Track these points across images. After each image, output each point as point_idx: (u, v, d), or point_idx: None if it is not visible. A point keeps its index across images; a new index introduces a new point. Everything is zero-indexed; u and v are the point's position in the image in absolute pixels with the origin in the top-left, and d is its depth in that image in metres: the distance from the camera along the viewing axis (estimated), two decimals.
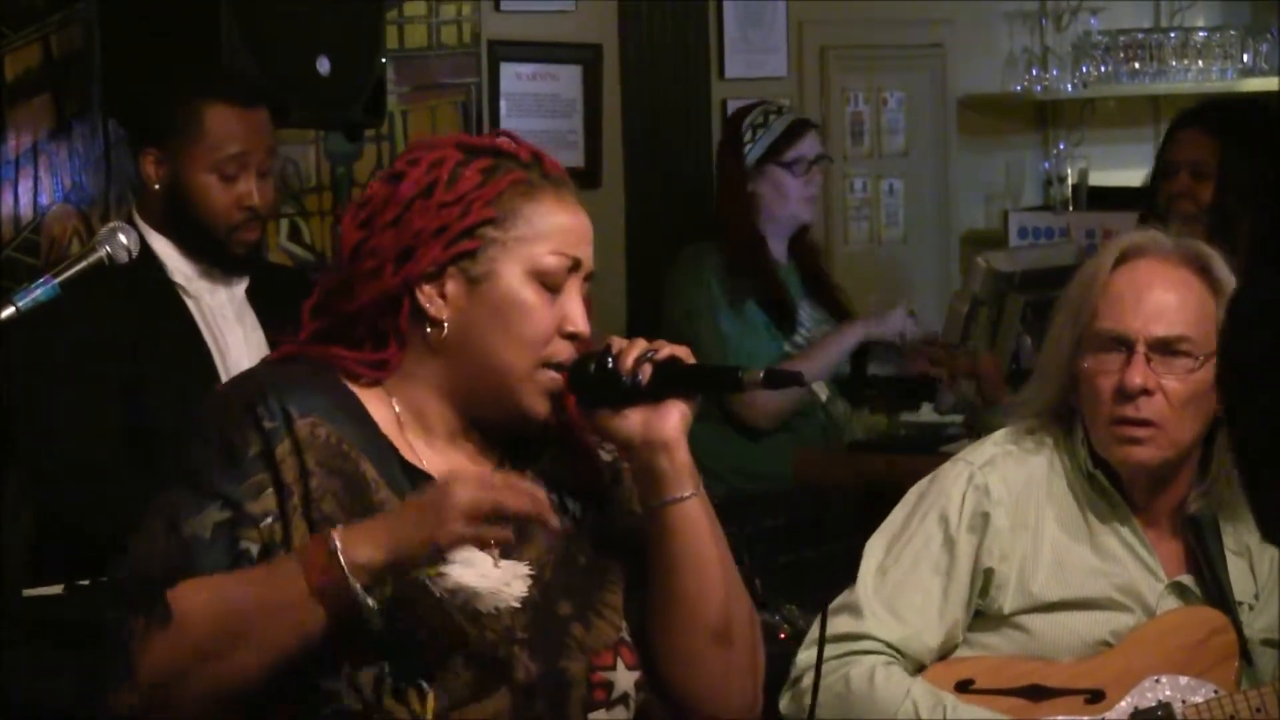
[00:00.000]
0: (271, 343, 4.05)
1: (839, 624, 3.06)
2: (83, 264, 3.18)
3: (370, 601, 2.32)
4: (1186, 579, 3.12)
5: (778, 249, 5.60)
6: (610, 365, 2.44)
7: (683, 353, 2.47)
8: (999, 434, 3.20)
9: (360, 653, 2.36)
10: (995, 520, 3.08)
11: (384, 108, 4.86)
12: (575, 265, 2.47)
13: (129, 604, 2.37)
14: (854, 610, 3.06)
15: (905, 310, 5.50)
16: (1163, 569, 3.11)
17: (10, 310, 3.03)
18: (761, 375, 2.44)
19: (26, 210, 4.57)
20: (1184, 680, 3.04)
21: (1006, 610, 3.09)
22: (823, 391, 5.56)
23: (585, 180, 5.84)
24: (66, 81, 4.63)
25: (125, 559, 2.44)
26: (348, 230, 2.49)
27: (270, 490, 2.39)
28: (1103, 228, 6.63)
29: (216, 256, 4.03)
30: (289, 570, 2.33)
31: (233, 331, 4.05)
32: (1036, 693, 3.04)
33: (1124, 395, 3.02)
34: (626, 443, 2.48)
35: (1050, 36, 7.29)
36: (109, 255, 3.23)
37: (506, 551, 2.42)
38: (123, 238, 3.26)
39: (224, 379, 3.97)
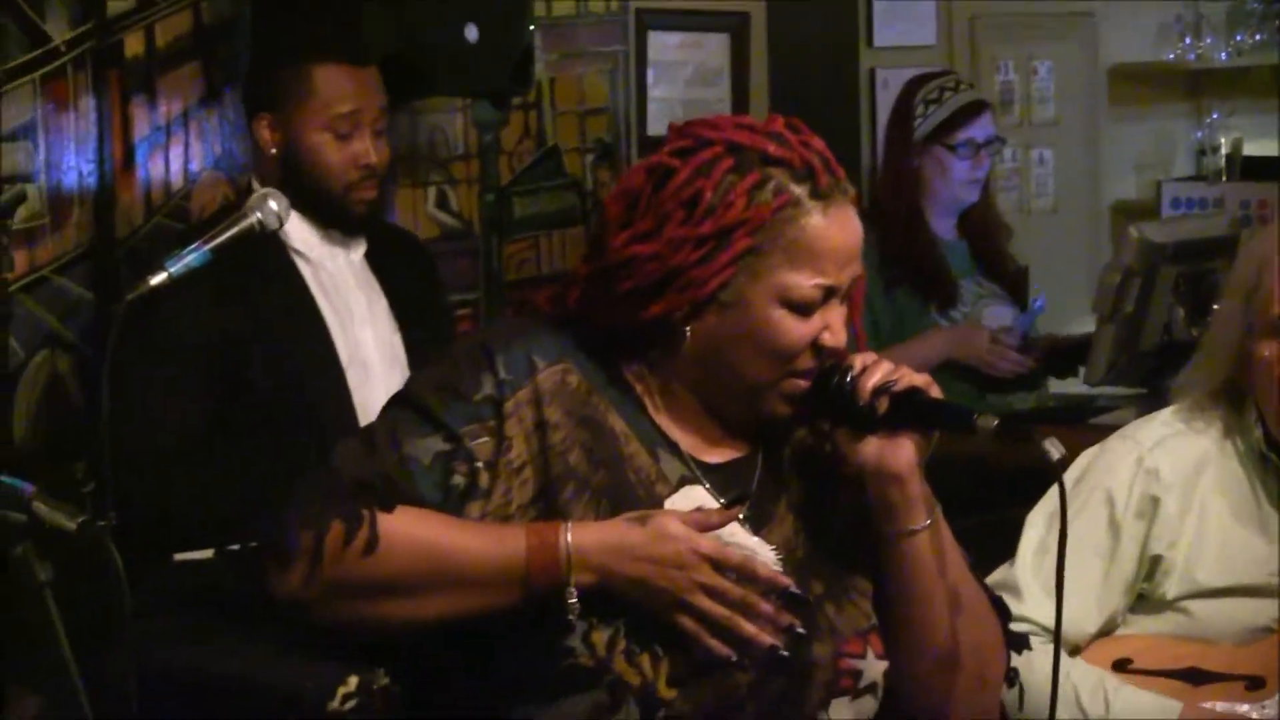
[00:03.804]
0: (395, 309, 4.05)
1: None
2: (234, 230, 3.20)
3: (575, 603, 2.31)
4: None
5: (943, 224, 5.41)
6: (848, 387, 2.38)
7: (922, 381, 2.40)
8: (1167, 412, 3.12)
9: (599, 610, 2.33)
10: (1165, 505, 3.02)
11: (531, 76, 4.83)
12: (831, 292, 2.38)
13: (335, 498, 2.34)
14: (1013, 589, 2.99)
15: (989, 335, 5.29)
16: None
17: (163, 276, 3.06)
18: (995, 423, 2.36)
19: (177, 177, 4.59)
20: None
21: (1170, 596, 3.03)
22: None
23: None
24: (216, 49, 4.64)
25: (332, 451, 2.41)
26: (613, 217, 2.41)
27: (489, 439, 2.36)
28: (1258, 199, 6.52)
29: (335, 216, 4.02)
30: (512, 544, 2.32)
31: (355, 297, 4.03)
32: (1196, 676, 2.98)
33: None
34: (860, 469, 2.42)
35: (1203, 4, 7.16)
36: (260, 222, 3.26)
37: (755, 527, 2.41)
38: (273, 204, 3.28)
39: (343, 348, 3.96)
